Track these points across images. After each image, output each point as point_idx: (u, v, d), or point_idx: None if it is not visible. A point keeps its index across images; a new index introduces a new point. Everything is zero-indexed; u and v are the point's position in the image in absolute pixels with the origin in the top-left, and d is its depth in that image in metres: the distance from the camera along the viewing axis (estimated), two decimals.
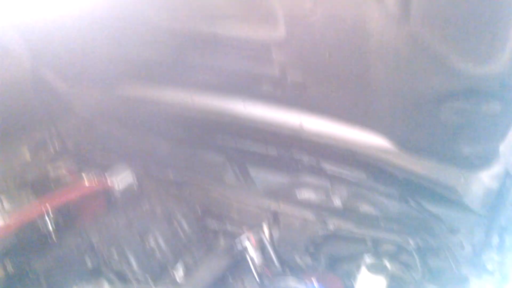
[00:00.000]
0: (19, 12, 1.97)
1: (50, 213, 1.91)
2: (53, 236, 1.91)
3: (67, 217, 2.01)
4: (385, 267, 1.85)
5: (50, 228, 1.89)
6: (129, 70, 2.23)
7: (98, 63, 2.21)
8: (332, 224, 1.94)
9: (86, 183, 2.17)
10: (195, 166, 2.33)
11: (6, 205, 1.94)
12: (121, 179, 2.22)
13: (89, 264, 1.88)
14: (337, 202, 2.09)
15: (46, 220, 1.90)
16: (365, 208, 2.06)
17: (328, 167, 2.11)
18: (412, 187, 1.96)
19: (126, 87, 2.39)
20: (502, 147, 1.46)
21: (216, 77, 1.97)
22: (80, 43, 2.09)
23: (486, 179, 1.65)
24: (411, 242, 1.85)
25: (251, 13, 1.51)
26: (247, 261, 2.00)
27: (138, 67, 2.16)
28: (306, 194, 2.15)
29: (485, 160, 1.57)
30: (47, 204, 1.93)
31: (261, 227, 2.07)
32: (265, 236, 2.03)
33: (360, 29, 1.30)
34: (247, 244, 1.99)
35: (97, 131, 2.64)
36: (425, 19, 1.15)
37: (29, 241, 1.83)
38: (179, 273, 1.98)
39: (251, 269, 2.00)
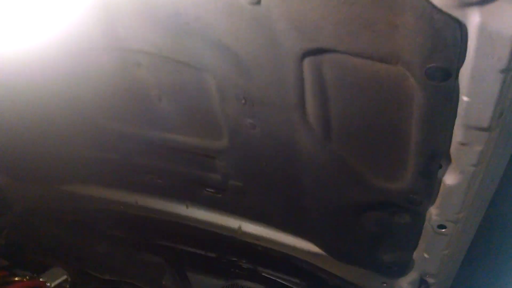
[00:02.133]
0: None
1: None
2: None
3: None
4: None
5: None
6: (74, 168, 2.30)
7: (43, 159, 2.27)
8: None
9: (16, 282, 2.09)
10: (133, 267, 2.32)
11: None
12: (53, 278, 2.16)
13: None
14: None
15: None
16: None
17: (265, 271, 2.19)
18: None
19: (69, 184, 2.44)
20: (415, 255, 1.65)
21: (161, 180, 2.10)
22: (26, 139, 2.16)
23: (404, 285, 1.82)
24: None
25: (200, 128, 1.70)
26: None
27: (83, 166, 2.24)
28: None
29: (402, 267, 1.74)
30: None
31: None
32: None
33: (291, 145, 1.51)
34: None
35: (33, 228, 2.59)
36: (343, 141, 1.39)
37: None
38: None
39: None
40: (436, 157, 1.24)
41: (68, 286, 2.18)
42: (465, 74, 0.99)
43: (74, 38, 1.54)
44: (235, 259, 2.25)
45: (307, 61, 1.21)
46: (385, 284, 1.88)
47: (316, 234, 1.90)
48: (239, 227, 2.11)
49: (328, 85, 1.24)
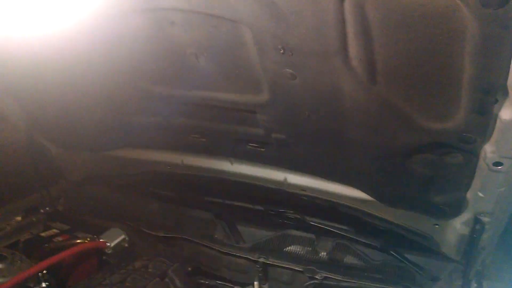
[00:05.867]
0: (15, 78, 2.11)
1: (43, 273, 1.94)
2: None
3: (59, 277, 2.04)
4: None
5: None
6: (121, 134, 2.36)
7: (91, 127, 2.34)
8: (319, 275, 2.02)
9: (78, 243, 2.21)
10: (185, 223, 2.40)
11: (0, 266, 1.96)
12: (112, 238, 2.27)
13: None
14: (323, 253, 2.17)
15: (39, 280, 1.92)
16: (350, 259, 2.14)
17: (313, 220, 2.22)
18: (392, 238, 2.07)
19: (117, 150, 2.51)
20: (469, 195, 1.61)
21: (204, 138, 2.12)
22: (73, 109, 2.22)
23: (458, 226, 1.79)
24: None
25: (239, 83, 1.68)
26: None
27: (129, 131, 2.29)
28: (293, 247, 2.23)
29: (455, 208, 1.71)
30: (40, 265, 1.96)
31: (252, 284, 2.15)
32: None
33: (334, 92, 1.48)
34: None
35: (87, 193, 2.71)
36: (390, 83, 1.34)
37: None
38: None
39: None
40: (492, 91, 1.18)
41: (126, 244, 2.30)
42: None
43: (106, 3, 1.53)
44: (282, 210, 2.28)
45: (348, 2, 1.15)
46: (437, 226, 1.87)
47: (364, 180, 1.89)
48: (285, 179, 2.12)
49: (372, 26, 1.18)
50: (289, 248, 2.23)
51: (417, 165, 1.61)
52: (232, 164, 2.22)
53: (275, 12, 1.29)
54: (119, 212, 2.54)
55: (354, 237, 2.14)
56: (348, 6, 1.16)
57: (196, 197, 2.45)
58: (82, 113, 2.23)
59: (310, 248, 2.20)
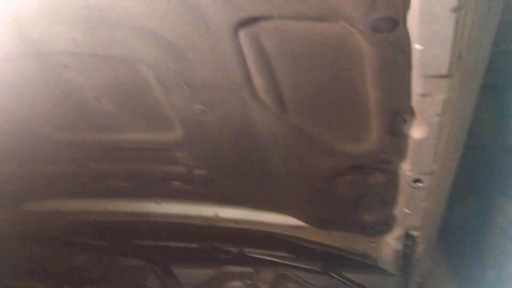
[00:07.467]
0: None
1: None
2: None
3: None
4: None
5: None
6: (34, 186, 2.16)
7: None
8: None
9: None
10: (114, 275, 2.23)
11: None
12: None
13: None
14: (263, 286, 2.09)
15: None
16: (291, 287, 2.08)
17: (250, 252, 2.13)
18: (331, 260, 2.04)
19: (32, 202, 2.30)
20: (396, 212, 1.60)
21: (125, 182, 1.98)
22: None
23: (391, 242, 1.77)
24: None
25: (149, 123, 1.57)
26: None
27: (42, 182, 2.10)
28: (233, 284, 2.13)
29: (384, 225, 1.69)
30: None
31: None
32: None
33: (249, 125, 1.41)
34: None
35: (5, 253, 2.46)
36: (300, 112, 1.28)
37: None
38: None
39: None
40: (399, 112, 1.15)
41: None
42: (413, 19, 0.89)
43: None
44: (218, 245, 2.18)
45: (242, 34, 1.08)
46: (373, 244, 1.84)
47: (293, 207, 1.83)
48: (216, 214, 2.03)
49: (271, 57, 1.13)
50: (229, 286, 2.13)
51: (342, 187, 1.57)
52: (159, 205, 2.09)
53: (171, 49, 1.20)
54: (42, 269, 2.32)
55: (293, 264, 2.08)
56: (243, 37, 1.09)
57: (125, 243, 2.29)
58: None
59: (251, 283, 2.11)
